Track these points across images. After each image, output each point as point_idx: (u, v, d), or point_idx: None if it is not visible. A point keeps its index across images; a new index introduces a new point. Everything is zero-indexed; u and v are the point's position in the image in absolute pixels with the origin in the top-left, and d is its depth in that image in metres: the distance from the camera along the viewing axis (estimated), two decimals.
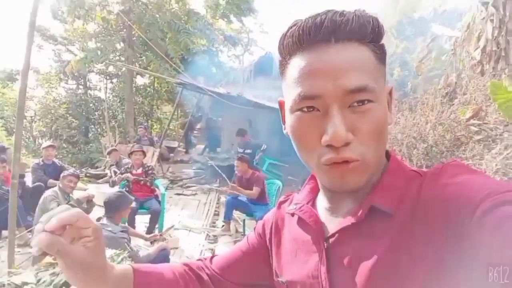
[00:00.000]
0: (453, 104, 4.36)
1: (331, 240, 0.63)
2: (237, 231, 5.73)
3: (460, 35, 5.40)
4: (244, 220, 5.54)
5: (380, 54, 0.59)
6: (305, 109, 0.57)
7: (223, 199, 6.58)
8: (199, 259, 0.88)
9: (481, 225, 0.45)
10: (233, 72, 12.81)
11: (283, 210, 0.80)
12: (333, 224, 0.65)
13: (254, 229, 0.88)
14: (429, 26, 6.67)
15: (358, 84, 0.54)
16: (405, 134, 4.06)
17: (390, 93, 0.64)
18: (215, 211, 6.80)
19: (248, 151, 7.71)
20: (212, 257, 0.88)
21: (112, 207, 3.46)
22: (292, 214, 0.74)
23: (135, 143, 8.56)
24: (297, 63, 0.58)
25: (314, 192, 0.74)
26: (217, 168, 7.04)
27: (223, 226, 5.60)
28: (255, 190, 5.24)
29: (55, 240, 0.54)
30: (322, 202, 0.70)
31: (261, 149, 8.21)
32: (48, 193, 4.37)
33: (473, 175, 0.54)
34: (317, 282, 0.63)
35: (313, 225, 0.67)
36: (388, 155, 0.66)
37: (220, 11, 15.19)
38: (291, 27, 0.59)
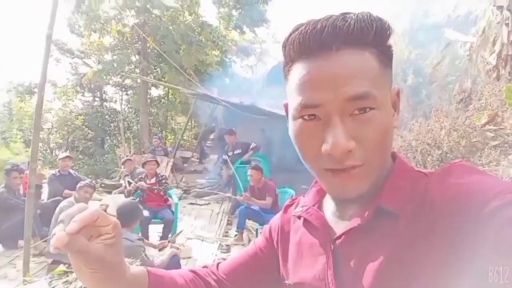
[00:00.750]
0: (468, 110, 4.28)
1: (337, 242, 0.63)
2: (250, 240, 5.69)
3: (475, 40, 5.32)
4: (257, 229, 5.50)
5: (385, 57, 0.58)
6: (307, 117, 0.57)
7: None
8: (204, 266, 0.87)
9: (486, 226, 0.45)
10: (246, 82, 12.86)
11: (289, 214, 0.80)
12: (339, 226, 0.65)
13: (261, 233, 0.88)
14: (443, 31, 6.59)
15: (359, 92, 0.53)
16: (420, 141, 4.00)
17: (397, 95, 0.63)
18: (228, 220, 6.78)
19: (238, 151, 7.47)
20: (218, 264, 0.87)
21: (126, 215, 3.48)
22: (299, 217, 0.74)
23: (149, 154, 8.64)
24: (298, 70, 0.58)
25: (321, 194, 0.74)
26: (232, 169, 7.03)
27: (236, 235, 5.57)
28: (268, 200, 5.22)
29: (74, 238, 0.53)
30: (328, 204, 0.70)
31: (251, 147, 7.67)
32: (64, 203, 4.41)
33: (480, 176, 0.54)
34: (324, 284, 0.63)
35: (320, 227, 0.67)
36: (394, 156, 0.66)
37: (233, 22, 15.36)
38: (292, 33, 0.59)
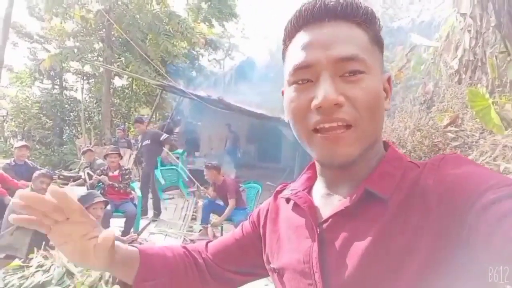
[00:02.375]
0: (431, 112, 4.44)
1: (324, 225, 0.63)
2: (214, 235, 5.64)
3: (439, 45, 5.53)
4: (221, 224, 5.46)
5: (374, 37, 0.61)
6: (300, 82, 0.60)
7: (200, 203, 6.48)
8: (196, 242, 0.90)
9: (479, 219, 0.45)
10: (213, 76, 12.75)
11: (278, 199, 0.80)
12: (327, 209, 0.65)
13: (249, 217, 0.88)
14: (408, 36, 6.81)
15: (348, 54, 0.56)
16: (384, 139, 4.10)
17: (388, 81, 0.65)
18: (193, 215, 6.69)
19: (147, 142, 6.44)
20: (208, 242, 0.89)
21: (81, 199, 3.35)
22: (287, 200, 0.75)
23: (112, 145, 8.35)
24: (294, 43, 0.62)
25: (311, 181, 0.75)
26: (189, 174, 6.90)
27: (200, 230, 5.50)
28: (231, 202, 5.14)
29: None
30: (318, 189, 0.71)
31: (163, 138, 6.56)
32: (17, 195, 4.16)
33: (473, 167, 0.55)
34: (308, 267, 0.62)
35: (307, 210, 0.67)
36: (386, 145, 0.67)
37: (202, 14, 15.15)
38: (292, 15, 0.63)
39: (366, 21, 0.60)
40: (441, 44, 5.23)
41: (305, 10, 0.61)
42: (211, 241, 0.90)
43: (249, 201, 5.51)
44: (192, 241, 5.34)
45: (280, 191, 0.82)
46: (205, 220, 5.36)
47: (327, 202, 0.66)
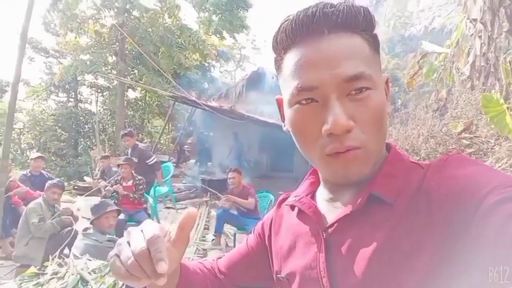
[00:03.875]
0: (444, 118, 4.39)
1: (330, 230, 0.62)
2: (227, 245, 5.63)
3: (450, 51, 5.49)
4: (235, 234, 5.45)
5: (374, 43, 0.60)
6: (304, 102, 0.57)
7: (213, 213, 6.48)
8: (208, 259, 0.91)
9: (485, 221, 0.44)
10: (225, 87, 12.83)
11: (282, 208, 0.80)
12: (332, 214, 0.64)
13: (253, 230, 0.87)
14: (419, 43, 6.78)
15: (355, 72, 0.54)
16: (398, 147, 4.06)
17: (386, 83, 0.64)
18: (205, 225, 6.69)
19: (134, 159, 5.82)
20: (218, 258, 0.89)
21: (92, 214, 3.39)
22: (292, 207, 0.74)
23: (125, 156, 8.43)
24: (292, 57, 0.58)
25: (314, 186, 0.74)
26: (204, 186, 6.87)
27: (213, 240, 5.49)
28: (251, 201, 5.17)
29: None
30: (322, 194, 0.70)
31: (151, 161, 6.12)
32: (31, 205, 4.20)
33: (477, 167, 0.54)
34: (315, 272, 0.62)
35: (312, 216, 0.66)
36: (388, 147, 0.66)
37: (213, 27, 15.33)
38: (283, 23, 0.59)
39: (367, 27, 0.58)
40: (452, 50, 5.19)
41: (302, 21, 0.56)
42: (220, 257, 0.90)
43: (262, 211, 5.49)
44: (204, 250, 5.33)
45: (284, 200, 0.81)
46: (218, 230, 5.35)
47: (332, 206, 0.66)
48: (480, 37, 4.75)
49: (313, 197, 0.73)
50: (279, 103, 0.69)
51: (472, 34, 4.94)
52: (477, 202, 0.46)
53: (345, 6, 0.56)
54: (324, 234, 0.63)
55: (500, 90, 4.03)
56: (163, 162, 11.34)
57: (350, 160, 0.56)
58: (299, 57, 0.57)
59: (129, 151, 6.20)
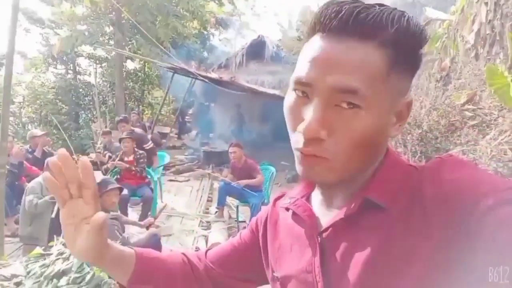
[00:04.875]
0: (448, 89, 4.32)
1: (324, 234, 0.63)
2: (230, 217, 5.73)
3: (454, 18, 5.33)
4: (237, 206, 5.53)
5: (399, 62, 0.54)
6: (300, 93, 0.57)
7: (216, 185, 6.54)
8: (196, 250, 0.91)
9: (481, 224, 0.45)
10: (225, 55, 12.62)
11: (277, 206, 0.80)
12: (327, 218, 0.64)
13: (248, 225, 0.88)
14: (423, 9, 6.58)
15: (346, 85, 0.51)
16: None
17: (407, 105, 0.60)
18: (209, 197, 6.78)
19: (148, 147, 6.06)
20: (207, 250, 0.90)
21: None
22: (287, 209, 0.74)
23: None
24: (308, 45, 0.57)
25: (310, 187, 0.74)
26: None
27: (216, 212, 5.58)
28: (259, 178, 5.25)
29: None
30: (317, 196, 0.70)
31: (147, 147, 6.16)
32: (31, 184, 4.18)
33: (472, 171, 0.54)
34: (311, 276, 0.63)
35: (307, 219, 0.66)
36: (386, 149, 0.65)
37: None
38: (319, 8, 0.57)
39: (395, 43, 0.52)
40: (456, 17, 5.04)
41: (326, 16, 0.54)
42: (209, 249, 0.91)
43: (263, 183, 5.54)
44: (208, 222, 5.42)
45: (279, 198, 0.81)
46: (221, 202, 5.42)
47: (326, 209, 0.66)
48: (486, 3, 4.60)
49: (308, 199, 0.72)
50: None
51: (478, 1, 4.78)
52: (472, 206, 0.46)
53: (376, 15, 0.51)
54: (319, 238, 0.63)
55: (504, 60, 3.94)
56: (164, 133, 11.38)
57: (314, 165, 0.56)
58: (310, 49, 0.56)
59: (124, 134, 6.13)
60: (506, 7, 4.38)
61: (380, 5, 0.53)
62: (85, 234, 0.63)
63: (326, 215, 0.65)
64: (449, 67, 5.01)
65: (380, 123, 0.55)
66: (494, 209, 0.44)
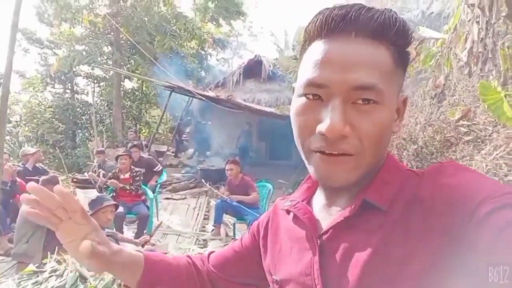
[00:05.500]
0: (442, 106, 4.36)
1: (324, 236, 0.63)
2: (227, 235, 5.66)
3: (447, 37, 5.42)
4: (234, 224, 5.47)
5: (400, 59, 0.58)
6: (310, 97, 0.57)
7: (213, 203, 6.50)
8: (200, 253, 0.95)
9: (481, 228, 0.45)
10: (222, 75, 12.75)
11: (279, 209, 0.80)
12: (327, 221, 0.64)
13: (249, 229, 0.89)
14: (417, 28, 6.71)
15: (365, 82, 0.53)
16: (395, 136, 4.05)
17: (403, 102, 0.64)
18: (205, 215, 6.72)
19: (142, 170, 5.87)
20: (209, 254, 0.91)
21: (89, 209, 3.39)
22: (288, 212, 0.74)
23: (124, 148, 8.42)
24: (313, 50, 0.58)
25: (311, 190, 0.75)
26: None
27: (213, 230, 5.52)
28: (254, 196, 5.20)
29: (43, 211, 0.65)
30: (318, 199, 0.70)
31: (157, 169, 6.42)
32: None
33: (471, 175, 0.54)
34: (310, 279, 0.62)
35: (307, 222, 0.66)
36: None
37: (209, 14, 15.16)
38: (317, 14, 0.59)
39: (397, 41, 0.56)
40: (449, 36, 5.13)
41: (333, 17, 0.56)
42: (213, 251, 0.92)
43: (260, 200, 5.51)
44: (204, 240, 5.36)
45: (281, 202, 0.82)
46: (218, 220, 5.37)
47: (327, 213, 0.66)
48: (477, 22, 4.69)
49: (309, 202, 0.73)
50: (293, 91, 0.68)
51: (470, 20, 4.88)
52: (472, 210, 0.47)
53: (380, 14, 0.55)
54: (319, 241, 0.63)
55: (497, 76, 3.99)
56: (161, 152, 11.37)
57: (339, 165, 0.56)
58: (319, 51, 0.56)
59: (134, 161, 6.13)
60: (497, 26, 4.47)
61: (373, 7, 0.57)
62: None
63: (327, 218, 0.65)
64: (443, 84, 5.07)
65: (392, 117, 0.59)
66: (494, 213, 0.45)
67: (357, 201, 0.59)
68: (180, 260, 0.87)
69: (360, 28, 0.54)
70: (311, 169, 0.60)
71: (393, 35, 0.55)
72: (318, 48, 0.57)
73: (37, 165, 5.90)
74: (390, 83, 0.56)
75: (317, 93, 0.56)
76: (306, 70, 0.58)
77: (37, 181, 4.40)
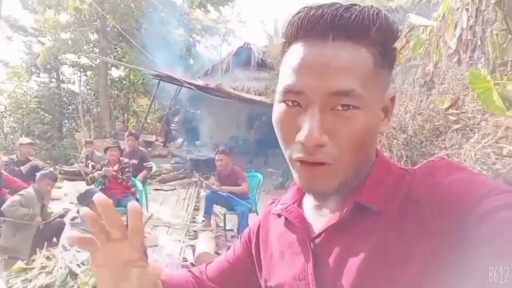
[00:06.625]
0: (431, 94, 4.37)
1: (317, 240, 0.62)
2: (217, 225, 5.65)
3: (436, 24, 5.41)
4: (224, 214, 5.47)
5: (383, 58, 0.55)
6: (290, 103, 0.55)
7: (203, 193, 6.48)
8: (183, 261, 0.91)
9: (479, 227, 0.44)
10: (210, 63, 12.61)
11: (269, 214, 0.78)
12: (319, 223, 0.63)
13: (240, 237, 0.87)
14: (406, 16, 6.68)
15: (344, 88, 0.51)
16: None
17: (391, 100, 0.61)
18: (195, 206, 6.70)
19: (134, 161, 5.87)
20: (207, 265, 0.89)
21: (79, 203, 3.34)
22: (279, 216, 0.73)
23: (112, 138, 8.31)
24: (291, 54, 0.56)
25: (301, 192, 0.73)
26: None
27: (203, 221, 5.50)
28: (244, 186, 5.19)
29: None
30: (308, 201, 0.69)
31: (147, 165, 6.23)
32: (21, 192, 4.06)
33: (464, 173, 0.53)
34: (304, 283, 0.61)
35: (298, 225, 0.65)
36: (376, 152, 0.64)
37: (197, 0, 14.93)
38: (296, 14, 0.57)
39: (379, 41, 0.54)
40: (438, 23, 5.12)
41: (309, 19, 0.53)
42: (210, 262, 0.90)
43: (250, 190, 5.50)
44: (195, 232, 5.34)
45: (270, 206, 0.80)
46: (208, 211, 5.34)
47: (318, 214, 0.65)
48: (467, 9, 4.69)
49: (300, 204, 0.71)
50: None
51: (459, 8, 4.87)
52: (469, 210, 0.46)
53: (358, 14, 0.52)
54: (312, 244, 0.62)
55: (486, 64, 4.00)
56: (149, 142, 11.27)
57: (316, 173, 0.55)
58: (295, 57, 0.55)
59: (127, 151, 6.10)
60: (486, 13, 4.46)
61: (352, 4, 0.53)
62: (135, 279, 0.58)
63: (319, 221, 0.64)
64: (433, 72, 5.08)
65: (375, 120, 0.56)
66: (491, 213, 0.44)
67: (349, 203, 0.57)
68: (187, 279, 0.85)
69: (337, 30, 0.52)
70: (295, 176, 0.59)
71: (374, 35, 0.53)
72: (295, 52, 0.55)
73: (30, 157, 5.78)
74: (372, 86, 0.54)
75: (295, 100, 0.54)
76: (284, 76, 0.56)
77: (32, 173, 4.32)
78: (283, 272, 0.67)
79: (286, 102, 0.56)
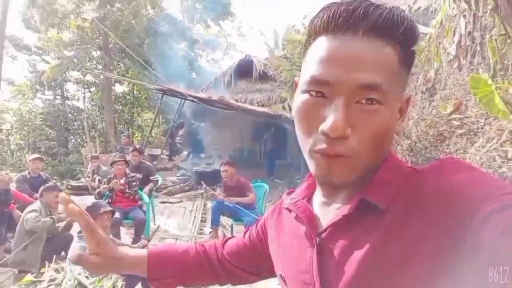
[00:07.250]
0: (434, 100, 4.40)
1: (323, 235, 0.63)
2: (225, 236, 5.64)
3: (435, 31, 5.46)
4: (232, 225, 5.47)
5: (406, 59, 0.57)
6: (313, 93, 0.56)
7: (209, 205, 6.49)
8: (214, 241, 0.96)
9: (482, 228, 0.44)
10: (213, 76, 12.72)
11: (283, 205, 0.81)
12: (326, 219, 0.65)
13: (256, 223, 0.91)
14: None
15: (372, 81, 0.53)
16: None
17: (407, 101, 0.63)
18: (202, 217, 6.71)
19: (138, 175, 5.74)
20: (226, 240, 0.94)
21: (89, 209, 3.36)
22: (289, 210, 0.75)
23: (117, 153, 8.36)
24: (319, 45, 0.57)
25: (312, 188, 0.74)
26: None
27: (210, 232, 5.50)
28: (251, 196, 5.20)
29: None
30: (318, 197, 0.70)
31: (153, 178, 6.28)
32: (31, 207, 4.09)
33: (473, 172, 0.53)
34: (309, 276, 0.63)
35: (305, 220, 0.67)
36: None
37: (197, 15, 15.13)
38: (324, 8, 0.57)
39: (404, 41, 0.55)
40: (436, 30, 5.17)
41: (340, 14, 0.54)
42: (229, 238, 0.95)
43: (257, 200, 5.51)
44: None
45: (288, 194, 0.82)
46: (215, 222, 5.35)
47: (326, 210, 0.66)
48: (464, 16, 4.73)
49: (309, 200, 0.73)
50: (295, 85, 0.67)
51: (456, 14, 4.92)
52: (473, 210, 0.46)
53: (388, 13, 0.54)
54: (317, 239, 0.63)
55: (486, 69, 4.03)
56: (155, 155, 11.31)
57: (336, 166, 0.55)
58: (324, 48, 0.56)
59: (133, 165, 6.10)
60: (484, 19, 4.51)
61: (379, 4, 0.56)
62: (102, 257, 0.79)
63: (326, 216, 0.65)
64: (434, 78, 5.11)
65: (394, 118, 0.58)
66: (494, 213, 0.44)
67: (355, 200, 0.58)
68: (190, 249, 0.91)
69: (368, 26, 0.53)
70: (311, 165, 0.60)
71: (401, 34, 0.54)
72: (323, 44, 0.56)
73: (41, 173, 5.86)
74: (395, 83, 0.56)
75: (320, 90, 0.55)
76: (311, 66, 0.57)
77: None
78: (291, 264, 0.70)
79: (310, 92, 0.57)
